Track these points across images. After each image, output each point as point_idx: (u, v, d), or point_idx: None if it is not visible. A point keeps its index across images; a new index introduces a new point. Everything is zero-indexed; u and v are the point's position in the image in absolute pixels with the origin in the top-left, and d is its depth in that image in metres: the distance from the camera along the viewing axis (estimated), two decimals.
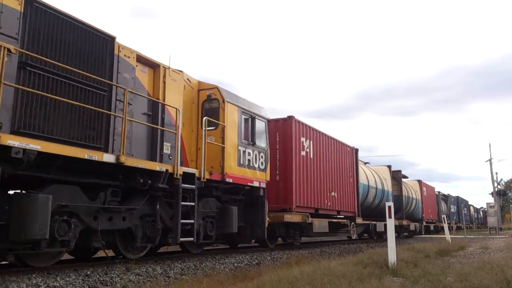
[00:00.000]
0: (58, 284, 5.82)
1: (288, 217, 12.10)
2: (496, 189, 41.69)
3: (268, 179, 11.26)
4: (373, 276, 6.61)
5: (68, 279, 6.13)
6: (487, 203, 34.63)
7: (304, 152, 13.71)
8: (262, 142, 11.18)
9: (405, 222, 23.70)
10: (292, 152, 12.94)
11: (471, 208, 56.35)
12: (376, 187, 20.75)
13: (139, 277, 6.94)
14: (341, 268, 7.03)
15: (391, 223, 8.55)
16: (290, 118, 13.23)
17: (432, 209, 32.38)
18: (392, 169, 24.01)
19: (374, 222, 19.04)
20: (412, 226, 25.31)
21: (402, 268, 7.67)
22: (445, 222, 18.97)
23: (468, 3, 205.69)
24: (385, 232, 16.20)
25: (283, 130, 13.20)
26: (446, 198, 40.14)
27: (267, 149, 11.41)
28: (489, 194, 48.50)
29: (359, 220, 17.63)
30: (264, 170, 11.13)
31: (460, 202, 45.40)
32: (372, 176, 20.80)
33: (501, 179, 54.32)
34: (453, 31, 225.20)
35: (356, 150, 18.43)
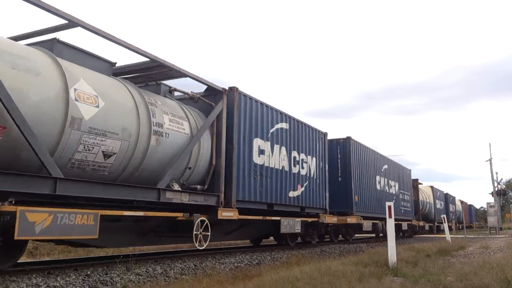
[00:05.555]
0: (58, 284, 5.82)
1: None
2: (496, 189, 41.72)
3: None
4: (373, 276, 6.61)
5: (68, 279, 6.12)
6: (487, 203, 34.62)
7: None
8: None
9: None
10: None
11: (429, 190, 32.12)
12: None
13: (139, 277, 6.93)
14: (341, 268, 7.02)
15: (391, 223, 8.64)
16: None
17: None
18: None
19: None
20: None
21: (403, 268, 7.68)
22: (445, 222, 18.93)
23: (471, 3, 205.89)
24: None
25: None
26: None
27: None
28: (489, 194, 48.34)
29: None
30: None
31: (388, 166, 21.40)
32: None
33: (501, 179, 54.43)
34: (456, 30, 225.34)
35: None
